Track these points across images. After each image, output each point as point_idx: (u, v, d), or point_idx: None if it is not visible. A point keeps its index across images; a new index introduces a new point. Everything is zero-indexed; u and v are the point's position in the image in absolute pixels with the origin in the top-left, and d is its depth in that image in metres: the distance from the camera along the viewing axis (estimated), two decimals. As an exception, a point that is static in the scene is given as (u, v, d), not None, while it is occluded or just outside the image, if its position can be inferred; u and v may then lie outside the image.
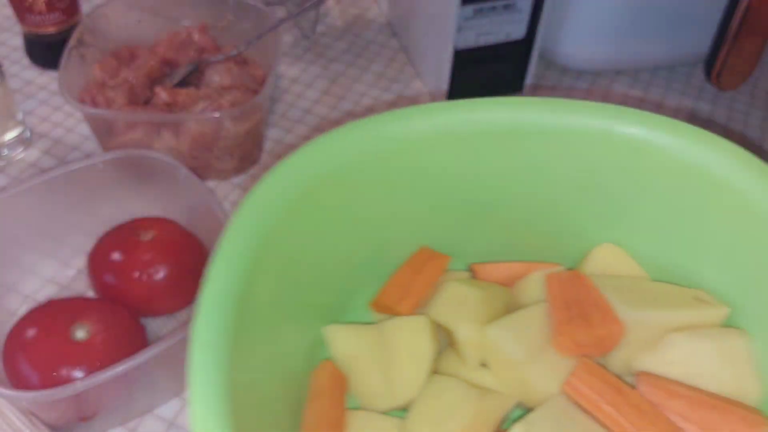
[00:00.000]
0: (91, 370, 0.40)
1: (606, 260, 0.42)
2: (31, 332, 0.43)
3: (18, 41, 0.69)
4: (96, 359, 0.42)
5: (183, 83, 0.60)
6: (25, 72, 0.67)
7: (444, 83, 0.64)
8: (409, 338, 0.39)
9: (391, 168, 0.39)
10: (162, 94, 0.57)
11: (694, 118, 0.68)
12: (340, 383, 0.39)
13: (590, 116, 0.38)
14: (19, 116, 0.60)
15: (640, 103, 0.69)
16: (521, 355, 0.37)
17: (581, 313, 0.37)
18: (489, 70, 0.65)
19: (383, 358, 0.39)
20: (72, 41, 0.58)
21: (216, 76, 0.59)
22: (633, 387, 0.36)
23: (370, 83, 0.69)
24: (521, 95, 0.68)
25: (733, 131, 0.67)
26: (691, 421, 0.34)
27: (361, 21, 0.76)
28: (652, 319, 0.37)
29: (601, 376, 0.36)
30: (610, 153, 0.39)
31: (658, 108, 0.69)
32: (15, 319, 0.45)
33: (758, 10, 0.58)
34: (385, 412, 0.39)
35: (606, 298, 0.38)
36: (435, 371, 0.39)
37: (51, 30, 0.64)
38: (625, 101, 0.69)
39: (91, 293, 0.50)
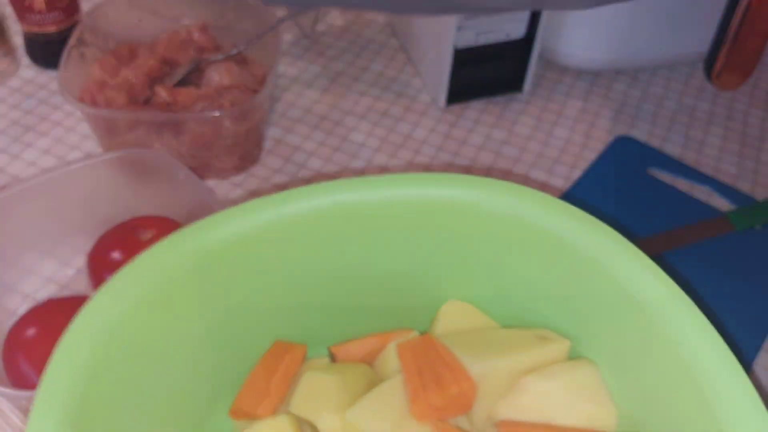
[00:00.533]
0: (90, 370, 0.40)
1: (455, 317, 0.43)
2: (30, 331, 0.43)
3: (18, 40, 0.69)
4: (96, 358, 0.42)
5: (183, 82, 0.60)
6: (25, 71, 0.67)
7: (444, 82, 0.64)
8: None
9: (225, 267, 0.38)
10: (162, 94, 0.57)
11: (693, 118, 0.68)
12: None
13: (403, 186, 0.39)
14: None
15: (640, 103, 0.69)
16: None
17: (434, 377, 0.37)
18: (489, 70, 0.66)
19: None
20: (72, 40, 0.58)
21: (216, 76, 0.59)
22: None
23: (370, 82, 0.69)
24: (521, 95, 0.68)
25: (733, 131, 0.67)
26: None
27: (361, 20, 0.76)
28: (501, 368, 0.38)
29: None
30: (432, 217, 0.40)
31: (658, 107, 0.69)
32: (15, 319, 0.45)
33: (758, 10, 0.58)
34: None
35: (456, 356, 0.38)
36: None
37: (51, 29, 0.64)
38: (625, 100, 0.69)
39: (91, 292, 0.50)
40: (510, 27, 0.62)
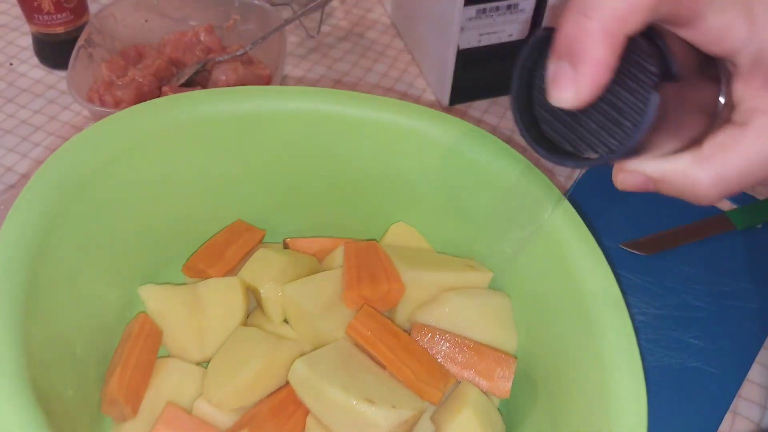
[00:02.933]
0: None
1: (400, 236, 0.48)
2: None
3: (27, 41, 0.70)
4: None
5: (190, 83, 0.60)
6: (33, 71, 0.68)
7: (447, 83, 0.65)
8: (221, 297, 0.42)
9: (204, 142, 0.43)
10: (169, 94, 0.58)
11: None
12: (153, 333, 0.41)
13: (378, 109, 0.43)
14: None
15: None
16: (314, 308, 0.41)
17: (369, 274, 0.43)
18: (492, 70, 0.66)
19: (196, 315, 0.42)
20: (80, 41, 0.58)
21: (222, 76, 0.60)
22: (408, 333, 0.42)
23: (375, 83, 0.70)
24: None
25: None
26: (454, 362, 0.41)
27: (365, 21, 0.77)
28: (428, 279, 0.43)
29: (378, 320, 0.41)
30: (397, 143, 0.44)
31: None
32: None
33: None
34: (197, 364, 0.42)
35: (393, 262, 0.44)
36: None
37: (59, 30, 0.65)
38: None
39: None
40: (512, 28, 0.63)
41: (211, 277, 0.44)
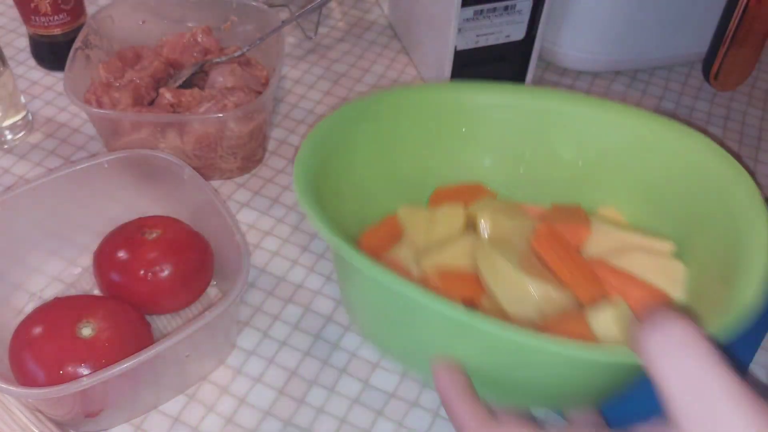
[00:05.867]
0: (96, 367, 0.41)
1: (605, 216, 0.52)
2: (37, 330, 0.44)
3: (24, 42, 0.70)
4: (102, 356, 0.42)
5: (187, 84, 0.60)
6: (30, 73, 0.68)
7: (445, 84, 0.65)
8: (449, 216, 0.51)
9: (471, 127, 0.52)
10: (167, 95, 0.57)
11: (691, 118, 0.69)
12: (399, 228, 0.51)
13: (606, 110, 0.50)
14: (22, 100, 0.62)
15: (639, 103, 0.70)
16: (511, 227, 0.49)
17: (565, 219, 0.49)
18: (489, 71, 0.66)
19: (429, 226, 0.51)
20: (77, 42, 0.58)
21: (220, 77, 0.60)
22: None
23: (372, 84, 0.70)
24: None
25: (731, 130, 0.68)
26: (618, 290, 0.45)
27: (363, 22, 0.77)
28: (614, 233, 0.48)
29: (558, 237, 0.47)
30: (620, 138, 0.49)
31: (656, 108, 0.69)
32: (21, 317, 0.45)
33: (756, 12, 0.59)
34: None
35: (590, 219, 0.50)
36: None
37: (56, 31, 0.65)
38: (624, 101, 0.69)
39: (96, 291, 0.51)
40: (510, 29, 0.63)
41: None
